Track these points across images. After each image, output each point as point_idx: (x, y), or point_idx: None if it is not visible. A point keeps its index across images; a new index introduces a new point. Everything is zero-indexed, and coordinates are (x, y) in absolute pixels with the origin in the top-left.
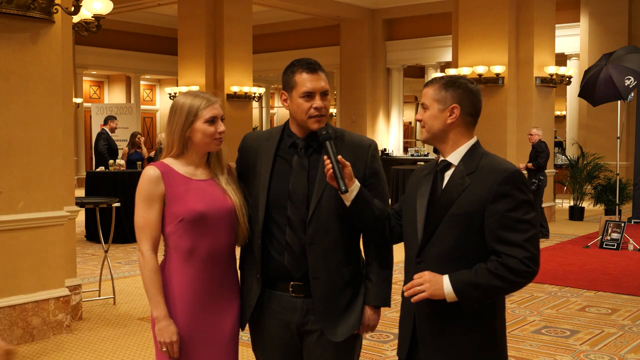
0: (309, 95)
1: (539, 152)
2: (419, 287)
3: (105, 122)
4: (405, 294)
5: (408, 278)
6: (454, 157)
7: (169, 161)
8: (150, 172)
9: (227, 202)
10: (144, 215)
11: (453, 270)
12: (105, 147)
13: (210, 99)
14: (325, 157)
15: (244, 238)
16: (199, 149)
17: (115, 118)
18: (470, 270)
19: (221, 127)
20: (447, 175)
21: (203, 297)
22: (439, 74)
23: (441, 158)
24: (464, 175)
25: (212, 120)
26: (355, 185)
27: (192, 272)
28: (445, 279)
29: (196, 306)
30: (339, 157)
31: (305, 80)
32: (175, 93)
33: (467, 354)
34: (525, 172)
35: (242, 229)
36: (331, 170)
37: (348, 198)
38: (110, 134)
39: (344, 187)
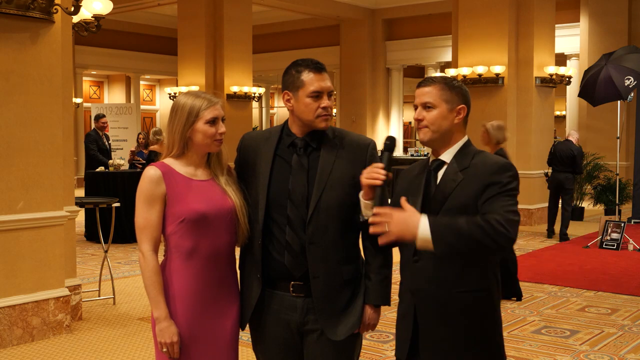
0: (317, 95)
1: None
2: (387, 227)
3: (97, 120)
4: (370, 229)
5: (405, 277)
6: (447, 155)
7: (169, 161)
8: (151, 172)
9: (227, 203)
10: (145, 216)
11: (451, 267)
12: (95, 150)
13: (212, 100)
14: (381, 165)
15: (244, 238)
16: (200, 150)
17: (103, 116)
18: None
19: (222, 128)
20: (441, 173)
21: (204, 297)
22: (438, 74)
23: (432, 158)
24: (457, 171)
25: (213, 121)
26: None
27: (192, 272)
28: (423, 217)
29: (197, 306)
30: (389, 174)
31: (313, 80)
32: (175, 93)
33: (466, 355)
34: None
35: (242, 230)
36: (377, 182)
37: (369, 214)
38: (99, 133)
39: (371, 211)
